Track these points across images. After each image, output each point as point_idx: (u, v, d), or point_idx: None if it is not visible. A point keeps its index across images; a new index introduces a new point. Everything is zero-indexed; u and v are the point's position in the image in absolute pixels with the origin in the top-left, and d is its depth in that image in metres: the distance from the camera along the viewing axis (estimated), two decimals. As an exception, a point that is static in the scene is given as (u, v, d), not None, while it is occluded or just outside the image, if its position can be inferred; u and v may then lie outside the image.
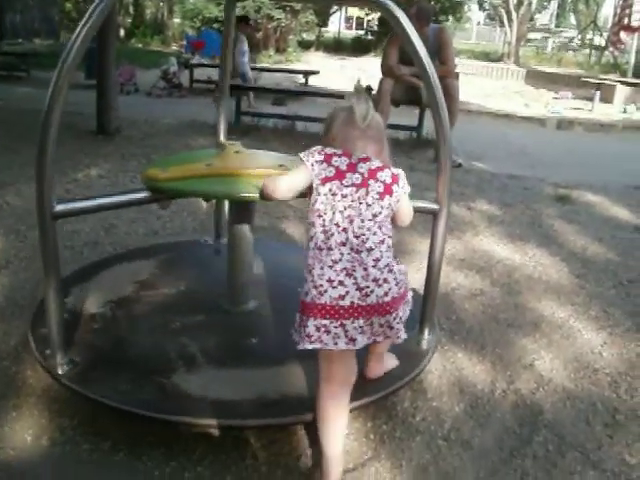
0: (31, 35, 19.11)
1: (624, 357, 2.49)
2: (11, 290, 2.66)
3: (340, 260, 1.57)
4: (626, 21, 14.68)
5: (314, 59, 19.10)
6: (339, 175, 1.62)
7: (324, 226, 1.59)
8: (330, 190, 1.61)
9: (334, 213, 1.59)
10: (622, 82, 13.31)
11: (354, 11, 32.53)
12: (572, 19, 32.87)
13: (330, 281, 1.55)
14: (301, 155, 1.67)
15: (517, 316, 2.76)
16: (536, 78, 16.14)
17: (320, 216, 1.61)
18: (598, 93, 12.00)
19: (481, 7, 30.10)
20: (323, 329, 1.55)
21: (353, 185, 1.61)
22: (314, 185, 1.63)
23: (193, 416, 1.73)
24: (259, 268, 2.50)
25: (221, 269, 2.30)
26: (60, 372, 1.86)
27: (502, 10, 21.44)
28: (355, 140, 1.66)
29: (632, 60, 15.32)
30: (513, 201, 4.57)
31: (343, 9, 28.81)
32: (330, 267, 1.56)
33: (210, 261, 2.77)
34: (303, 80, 11.04)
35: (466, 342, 2.49)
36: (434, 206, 2.05)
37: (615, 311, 2.87)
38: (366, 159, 1.65)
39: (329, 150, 1.66)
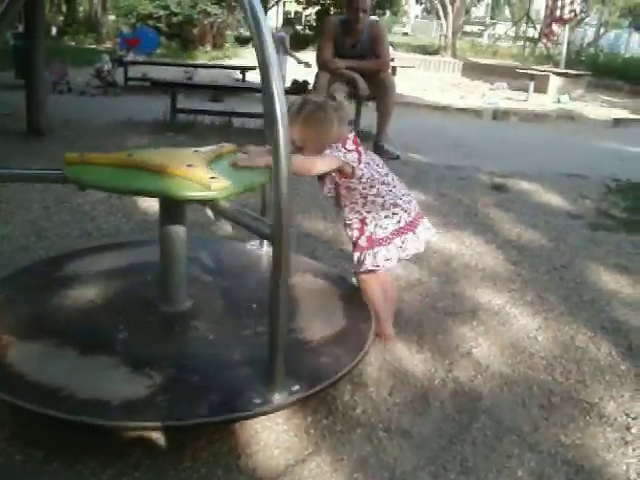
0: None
1: (558, 340, 2.54)
2: None
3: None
4: (558, 13, 15.01)
5: (252, 55, 18.96)
6: (359, 154, 2.25)
7: (381, 181, 2.31)
8: (366, 163, 2.28)
9: (377, 172, 2.31)
10: (555, 73, 13.63)
11: (291, 6, 32.45)
12: (507, 12, 33.53)
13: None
14: (340, 154, 2.20)
15: (455, 305, 2.79)
16: (472, 70, 16.39)
17: (378, 178, 2.30)
18: (532, 84, 12.27)
19: (418, 1, 30.45)
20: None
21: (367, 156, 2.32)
22: (355, 165, 2.24)
23: (126, 419, 1.68)
24: (194, 266, 2.46)
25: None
26: None
27: (438, 3, 21.69)
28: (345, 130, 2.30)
29: (564, 51, 15.71)
30: (450, 191, 4.62)
31: (280, 4, 28.72)
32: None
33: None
34: (240, 76, 10.95)
35: (405, 332, 2.50)
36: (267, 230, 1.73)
37: (549, 296, 2.93)
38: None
39: (348, 145, 2.24)
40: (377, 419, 1.98)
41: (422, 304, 2.78)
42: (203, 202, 1.85)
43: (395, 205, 2.32)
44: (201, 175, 1.85)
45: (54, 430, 1.80)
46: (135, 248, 2.89)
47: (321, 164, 2.22)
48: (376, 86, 5.70)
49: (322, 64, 5.77)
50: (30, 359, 1.90)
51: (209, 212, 1.92)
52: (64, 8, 23.97)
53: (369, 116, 6.12)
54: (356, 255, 2.37)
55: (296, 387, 1.79)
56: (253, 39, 1.59)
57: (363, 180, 2.27)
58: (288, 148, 1.58)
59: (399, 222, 2.33)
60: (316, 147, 2.24)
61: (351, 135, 2.28)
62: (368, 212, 2.33)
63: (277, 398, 1.74)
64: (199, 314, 2.21)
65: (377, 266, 2.33)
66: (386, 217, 2.32)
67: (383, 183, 2.31)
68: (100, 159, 2.01)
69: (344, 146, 2.22)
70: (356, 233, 2.35)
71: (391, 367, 2.26)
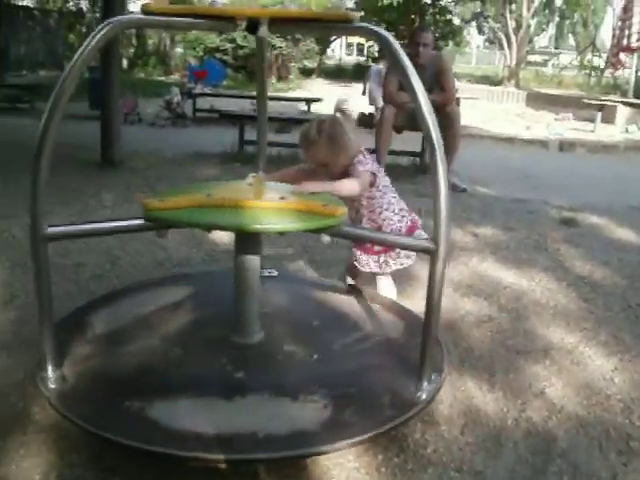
0: (35, 67, 19.33)
1: (636, 383, 2.46)
2: (18, 325, 2.65)
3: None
4: (625, 42, 14.74)
5: (316, 86, 19.26)
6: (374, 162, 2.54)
7: (390, 188, 2.62)
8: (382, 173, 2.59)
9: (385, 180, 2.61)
10: (623, 102, 13.36)
11: (354, 38, 32.84)
12: (571, 41, 33.10)
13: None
14: (365, 169, 2.45)
15: (526, 342, 2.74)
16: (537, 100, 16.22)
17: (387, 186, 2.61)
18: (599, 114, 12.05)
19: (480, 31, 30.35)
20: None
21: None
22: (378, 175, 2.52)
23: (201, 451, 1.70)
24: (267, 300, 2.50)
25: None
26: (65, 410, 1.83)
27: (501, 34, 21.61)
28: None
29: (632, 80, 15.40)
30: (518, 225, 4.56)
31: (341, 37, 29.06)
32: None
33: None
34: (306, 108, 11.10)
35: (476, 370, 2.47)
36: (429, 245, 1.90)
37: (625, 336, 2.85)
38: None
39: (366, 154, 2.51)
40: (449, 458, 1.95)
41: (493, 341, 2.74)
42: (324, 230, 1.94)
43: (402, 209, 2.64)
44: (313, 204, 1.97)
45: (130, 458, 1.84)
46: (206, 278, 2.95)
47: (361, 181, 2.42)
48: (442, 119, 5.67)
49: (387, 98, 5.82)
50: (111, 389, 1.96)
51: (325, 238, 1.98)
52: (134, 41, 24.82)
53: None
54: (375, 258, 2.70)
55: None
56: (405, 85, 1.85)
57: (380, 188, 2.55)
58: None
59: (407, 224, 2.63)
60: (343, 161, 2.45)
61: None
62: (384, 220, 2.59)
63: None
64: (273, 346, 2.24)
65: (402, 265, 2.70)
66: (398, 221, 2.60)
67: (391, 190, 2.62)
68: (179, 201, 2.04)
69: (364, 156, 2.48)
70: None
71: (462, 405, 2.23)
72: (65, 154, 6.56)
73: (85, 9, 26.72)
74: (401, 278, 3.36)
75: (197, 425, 1.79)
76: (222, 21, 2.00)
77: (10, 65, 17.13)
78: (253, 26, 2.05)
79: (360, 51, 32.64)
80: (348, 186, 2.36)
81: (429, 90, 5.74)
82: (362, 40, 28.56)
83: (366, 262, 2.73)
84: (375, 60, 17.02)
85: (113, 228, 2.02)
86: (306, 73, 22.21)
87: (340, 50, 32.32)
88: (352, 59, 29.09)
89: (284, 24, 2.03)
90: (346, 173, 2.46)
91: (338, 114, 2.55)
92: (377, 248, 2.69)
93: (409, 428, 2.05)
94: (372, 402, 1.94)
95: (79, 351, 2.18)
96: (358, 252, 2.72)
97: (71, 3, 27.28)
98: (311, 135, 2.44)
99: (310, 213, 1.94)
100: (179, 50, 23.78)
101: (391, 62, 5.69)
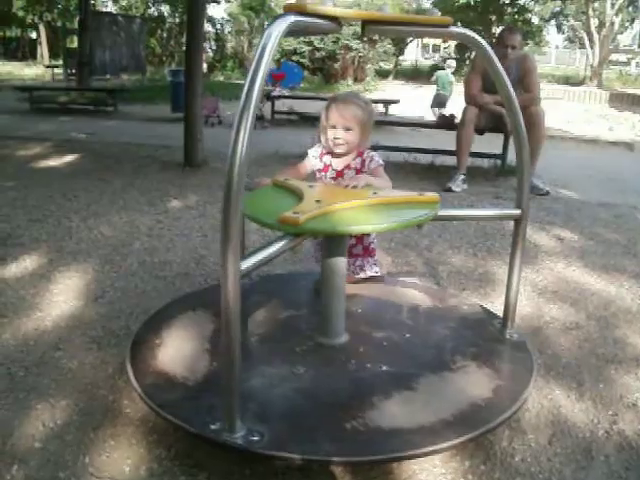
0: (119, 71, 19.99)
1: None
2: (108, 320, 2.74)
3: None
4: None
5: (392, 88, 19.18)
6: None
7: None
8: None
9: None
10: None
11: (430, 39, 32.56)
12: (657, 39, 31.85)
13: None
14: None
15: (617, 351, 2.65)
16: (620, 101, 15.71)
17: None
18: (689, 115, 11.55)
19: (560, 30, 29.63)
20: None
21: None
22: None
23: (289, 452, 1.71)
24: (353, 301, 2.51)
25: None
26: (160, 409, 1.87)
27: (583, 32, 21.00)
28: None
29: None
30: (605, 230, 4.42)
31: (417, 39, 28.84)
32: None
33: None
34: (383, 109, 11.05)
35: (563, 378, 2.40)
36: (516, 212, 2.25)
37: None
38: None
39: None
40: (537, 469, 1.90)
41: (580, 349, 2.65)
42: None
43: None
44: (411, 195, 2.10)
45: (218, 455, 1.86)
46: (288, 280, 2.98)
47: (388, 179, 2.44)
48: (525, 120, 5.54)
49: (469, 98, 5.73)
50: (199, 385, 2.00)
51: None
52: (214, 45, 25.36)
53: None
54: (352, 261, 2.68)
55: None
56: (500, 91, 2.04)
57: None
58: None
59: None
60: (365, 140, 2.48)
61: None
62: None
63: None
64: (359, 347, 2.24)
65: (376, 272, 2.79)
66: None
67: None
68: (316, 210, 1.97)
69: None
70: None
71: (549, 414, 2.17)
72: (150, 155, 6.79)
73: (166, 14, 27.50)
74: (480, 282, 3.31)
75: (285, 426, 1.81)
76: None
77: (95, 69, 17.75)
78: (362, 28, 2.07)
79: (436, 52, 32.35)
80: (384, 184, 2.35)
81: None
82: (438, 41, 28.32)
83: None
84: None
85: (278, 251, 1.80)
86: (382, 75, 22.15)
87: (416, 51, 32.07)
88: (429, 61, 28.78)
89: (381, 26, 2.02)
90: (353, 163, 2.50)
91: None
92: (356, 251, 2.68)
93: (496, 435, 2.01)
94: (460, 407, 1.91)
95: (168, 347, 2.23)
96: None
97: (152, 9, 28.14)
98: (360, 99, 2.47)
99: (413, 203, 2.05)
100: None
101: (477, 65, 5.67)
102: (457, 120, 6.06)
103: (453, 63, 14.17)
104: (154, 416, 1.94)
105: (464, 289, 3.21)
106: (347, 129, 2.40)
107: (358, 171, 2.48)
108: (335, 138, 2.41)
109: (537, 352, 2.55)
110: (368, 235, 2.67)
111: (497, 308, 2.76)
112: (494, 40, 5.72)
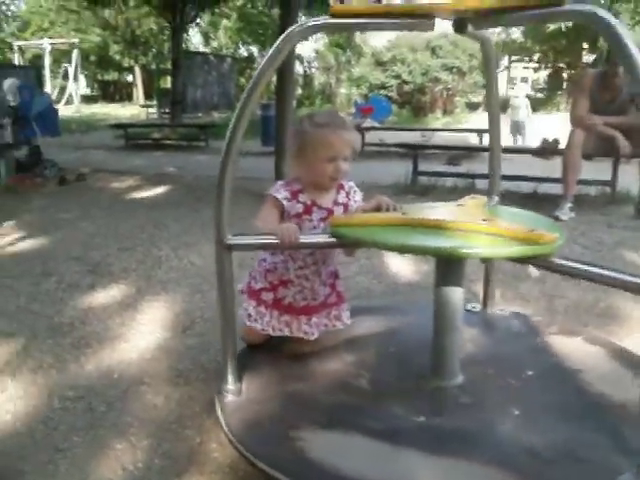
0: (210, 108, 20.49)
1: None
2: (196, 352, 2.55)
3: None
4: None
5: (482, 120, 18.76)
6: None
7: None
8: None
9: None
10: None
11: (518, 72, 32.03)
12: None
13: None
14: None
15: None
16: None
17: None
18: None
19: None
20: None
21: None
22: None
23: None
24: (468, 337, 2.21)
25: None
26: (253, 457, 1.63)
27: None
28: None
29: None
30: None
31: (506, 70, 28.37)
32: None
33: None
34: (477, 139, 10.72)
35: None
36: None
37: None
38: None
39: None
40: None
41: None
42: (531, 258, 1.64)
43: None
44: (519, 230, 1.69)
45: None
46: (393, 311, 2.71)
47: None
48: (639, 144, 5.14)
49: (576, 121, 5.33)
50: (294, 429, 1.74)
51: (534, 271, 1.70)
52: (301, 81, 25.71)
53: (631, 176, 5.55)
54: (345, 306, 2.29)
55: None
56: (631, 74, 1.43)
57: None
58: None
59: None
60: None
61: None
62: (336, 277, 2.29)
63: None
64: (475, 391, 1.94)
65: (347, 320, 2.31)
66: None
67: None
68: (370, 219, 1.87)
69: None
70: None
71: None
72: (241, 187, 6.70)
73: (255, 54, 28.19)
74: (604, 318, 2.95)
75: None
76: (418, 19, 1.78)
77: (188, 107, 18.22)
78: (460, 23, 1.83)
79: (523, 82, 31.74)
80: None
81: (621, 113, 5.25)
82: (525, 73, 27.77)
83: (316, 324, 2.22)
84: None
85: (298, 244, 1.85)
86: (471, 107, 21.77)
87: (506, 85, 31.56)
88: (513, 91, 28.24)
89: (488, 16, 1.77)
90: (339, 197, 2.11)
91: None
92: (330, 300, 2.25)
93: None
94: (589, 464, 1.58)
95: (260, 379, 2.00)
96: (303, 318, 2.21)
97: (242, 49, 28.91)
98: (347, 123, 2.06)
99: (518, 239, 1.66)
100: (342, 91, 24.29)
101: (584, 84, 5.29)
102: (561, 145, 5.68)
103: (523, 86, 14.31)
104: (245, 463, 1.70)
105: (586, 325, 2.86)
106: (346, 158, 2.00)
107: (345, 206, 2.10)
108: (337, 171, 2.00)
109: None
110: (338, 278, 2.28)
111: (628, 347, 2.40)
112: (582, 70, 5.32)
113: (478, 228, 1.73)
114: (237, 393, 1.91)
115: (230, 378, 1.92)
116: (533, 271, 1.73)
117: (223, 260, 1.84)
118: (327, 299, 2.23)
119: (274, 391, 1.95)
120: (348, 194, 2.11)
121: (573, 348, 2.27)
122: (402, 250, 1.97)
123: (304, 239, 1.84)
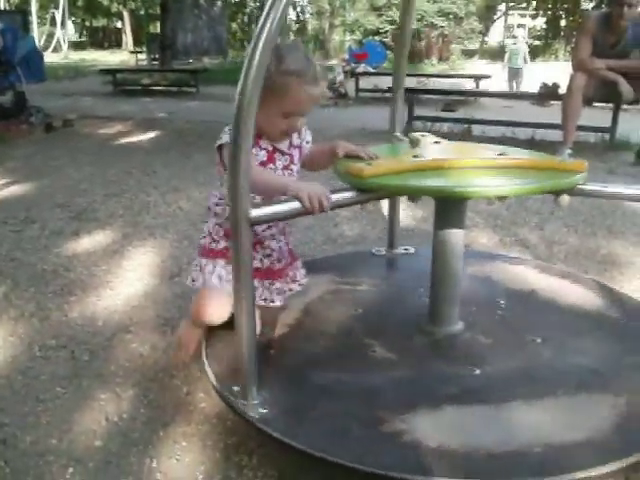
0: (201, 54, 20.07)
1: None
2: (184, 300, 2.45)
3: None
4: None
5: (479, 68, 18.44)
6: None
7: None
8: None
9: None
10: None
11: (515, 19, 31.47)
12: None
13: None
14: None
15: None
16: None
17: None
18: None
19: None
20: None
21: None
22: None
23: (401, 470, 1.35)
24: (466, 282, 2.11)
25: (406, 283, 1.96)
26: (252, 414, 1.53)
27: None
28: None
29: None
30: None
31: (503, 17, 27.85)
32: None
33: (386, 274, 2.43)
34: (473, 85, 10.52)
35: None
36: None
37: None
38: None
39: None
40: None
41: None
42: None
43: None
44: (545, 160, 1.73)
45: (309, 468, 1.52)
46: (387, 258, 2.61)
47: None
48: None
49: (578, 64, 5.15)
50: (299, 395, 1.65)
51: (565, 199, 1.61)
52: (294, 27, 25.19)
53: (630, 123, 5.42)
54: (299, 264, 2.01)
55: None
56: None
57: None
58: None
59: None
60: None
61: None
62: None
63: None
64: (477, 338, 1.86)
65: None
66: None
67: None
68: (388, 165, 1.67)
69: None
70: None
71: None
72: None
73: (247, -2, 27.50)
74: (605, 264, 2.87)
75: (398, 439, 1.44)
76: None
77: (178, 52, 17.81)
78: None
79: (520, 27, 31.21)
80: None
81: (625, 56, 5.08)
82: (522, 21, 27.27)
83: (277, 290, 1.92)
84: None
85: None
86: (467, 54, 21.38)
87: (503, 33, 31.04)
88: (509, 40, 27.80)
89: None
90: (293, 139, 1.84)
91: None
92: (287, 260, 1.95)
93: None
94: (616, 417, 1.51)
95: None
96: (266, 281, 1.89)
97: (234, -7, 28.18)
98: (318, 70, 1.70)
99: (545, 170, 1.65)
100: (335, 37, 23.82)
101: (587, 27, 5.11)
102: (561, 89, 5.53)
103: (521, 32, 14.24)
104: (234, 415, 1.62)
105: (586, 272, 2.77)
106: (304, 114, 1.74)
107: (300, 148, 1.87)
108: (292, 128, 1.74)
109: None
110: (289, 235, 1.96)
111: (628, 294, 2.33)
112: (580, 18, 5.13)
113: (503, 163, 1.69)
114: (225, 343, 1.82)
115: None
116: (565, 199, 1.64)
117: (243, 237, 1.43)
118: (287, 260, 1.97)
119: (265, 339, 1.87)
120: (299, 134, 1.85)
121: (574, 292, 2.20)
122: (462, 196, 1.62)
123: (335, 197, 1.51)
